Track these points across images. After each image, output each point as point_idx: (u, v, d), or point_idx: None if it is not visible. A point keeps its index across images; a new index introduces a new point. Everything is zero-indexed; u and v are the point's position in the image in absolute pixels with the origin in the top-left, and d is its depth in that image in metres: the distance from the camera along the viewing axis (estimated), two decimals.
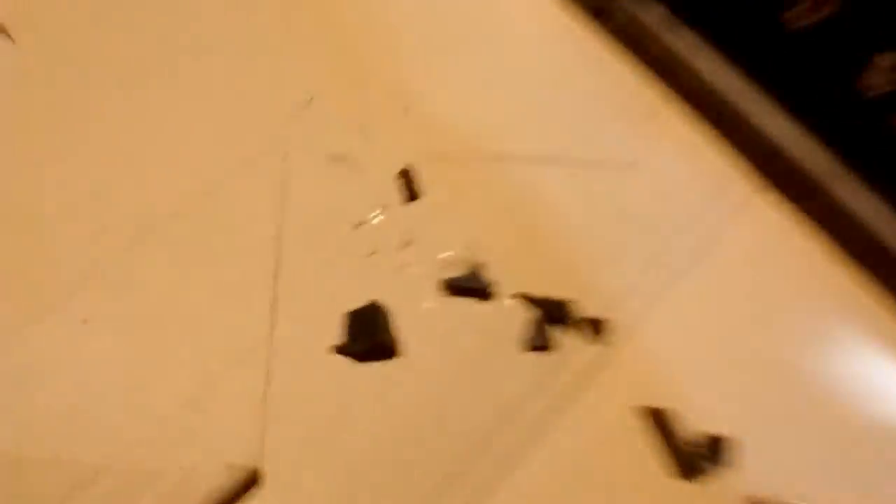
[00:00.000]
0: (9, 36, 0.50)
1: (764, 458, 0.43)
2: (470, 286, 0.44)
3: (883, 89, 0.45)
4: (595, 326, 0.44)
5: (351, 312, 0.42)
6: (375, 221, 0.46)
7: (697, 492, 0.42)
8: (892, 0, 0.43)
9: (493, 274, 0.45)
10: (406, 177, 0.46)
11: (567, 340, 0.44)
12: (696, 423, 0.44)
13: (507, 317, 0.44)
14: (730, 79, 0.50)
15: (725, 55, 0.50)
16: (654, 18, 0.51)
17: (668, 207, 0.50)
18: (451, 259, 0.45)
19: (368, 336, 0.42)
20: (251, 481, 0.38)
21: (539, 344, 0.43)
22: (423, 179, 0.48)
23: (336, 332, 0.43)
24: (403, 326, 0.43)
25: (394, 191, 0.47)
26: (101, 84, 0.50)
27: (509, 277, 0.45)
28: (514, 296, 0.44)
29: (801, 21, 0.47)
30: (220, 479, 0.38)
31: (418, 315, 0.43)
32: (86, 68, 0.50)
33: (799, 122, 0.49)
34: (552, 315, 0.45)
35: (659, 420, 0.43)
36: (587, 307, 0.45)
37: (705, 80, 0.50)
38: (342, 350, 0.42)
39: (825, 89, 0.47)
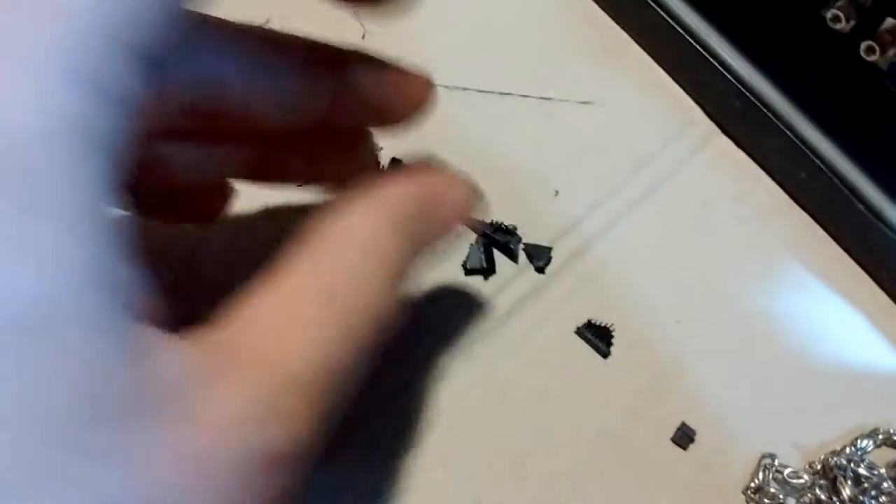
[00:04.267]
0: None
1: (698, 387, 0.43)
2: None
3: (849, 21, 0.45)
4: (539, 253, 0.44)
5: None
6: None
7: (633, 408, 0.41)
8: None
9: None
10: None
11: (509, 266, 0.44)
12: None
13: (451, 239, 0.44)
14: (688, 17, 0.49)
15: None
16: None
17: (624, 145, 0.49)
18: None
19: None
20: None
21: (479, 266, 0.43)
22: None
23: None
24: None
25: None
26: None
27: None
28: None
29: None
30: None
31: None
32: None
33: (756, 60, 0.48)
34: (496, 240, 0.44)
35: (591, 328, 0.43)
36: (532, 235, 0.45)
37: (666, 19, 0.49)
38: None
39: (789, 23, 0.47)
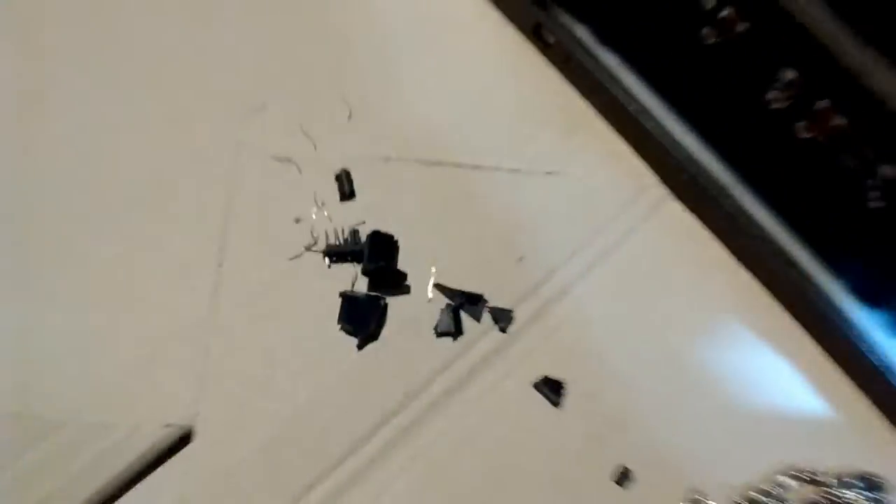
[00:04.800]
0: None
1: (639, 432, 0.49)
2: (391, 277, 0.50)
3: (784, 102, 0.50)
4: (502, 315, 0.50)
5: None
6: (313, 217, 0.52)
7: (581, 453, 0.48)
8: (796, 22, 0.47)
9: (417, 266, 0.51)
10: (342, 177, 0.52)
11: (476, 327, 0.50)
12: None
13: (425, 305, 0.50)
14: (645, 97, 0.54)
15: (642, 75, 0.55)
16: (581, 40, 0.56)
17: (584, 211, 0.55)
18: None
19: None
20: (184, 438, 0.45)
21: (450, 329, 0.49)
22: (360, 180, 0.53)
23: (271, 314, 0.50)
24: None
25: (332, 190, 0.53)
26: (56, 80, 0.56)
27: (431, 270, 0.51)
28: (434, 286, 0.49)
29: (714, 40, 0.51)
30: (158, 436, 0.45)
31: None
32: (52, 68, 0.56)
33: (703, 136, 0.54)
34: (465, 304, 0.50)
35: (547, 383, 0.49)
36: (498, 298, 0.51)
37: (623, 99, 0.55)
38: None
39: (731, 104, 0.52)
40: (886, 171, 0.48)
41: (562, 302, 0.52)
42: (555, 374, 0.50)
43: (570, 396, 0.50)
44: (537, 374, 0.50)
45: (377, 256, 0.50)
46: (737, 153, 0.53)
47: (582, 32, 0.56)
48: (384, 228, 0.52)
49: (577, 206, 0.55)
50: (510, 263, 0.53)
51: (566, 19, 0.57)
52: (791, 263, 0.52)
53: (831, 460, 0.49)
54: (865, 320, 0.51)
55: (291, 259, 0.51)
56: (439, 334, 0.50)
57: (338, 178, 0.53)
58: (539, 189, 0.55)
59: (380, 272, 0.50)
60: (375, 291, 0.50)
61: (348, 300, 0.50)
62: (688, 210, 0.56)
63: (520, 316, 0.51)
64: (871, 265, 0.51)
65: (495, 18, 0.59)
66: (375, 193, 0.53)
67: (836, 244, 0.52)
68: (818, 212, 0.52)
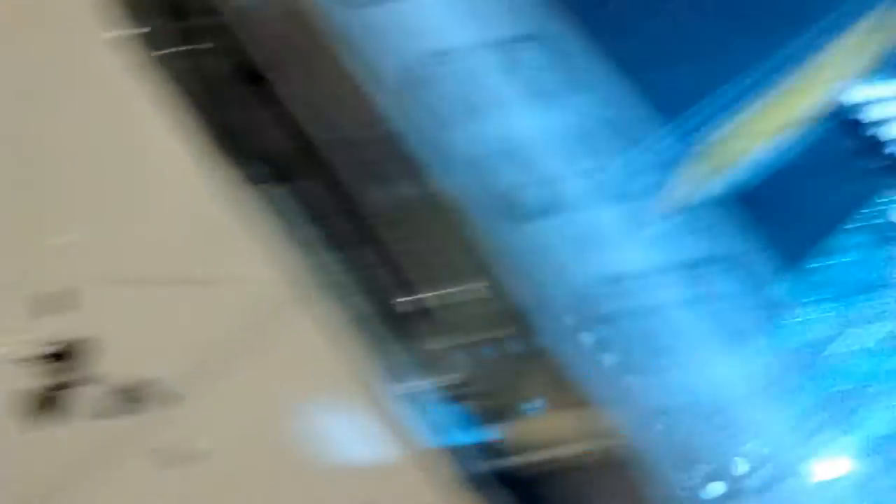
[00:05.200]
0: None
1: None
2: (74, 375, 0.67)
3: None
4: (158, 400, 0.66)
5: None
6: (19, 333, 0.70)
7: None
8: None
9: (99, 365, 0.68)
10: (52, 297, 0.70)
11: (131, 410, 0.66)
12: None
13: (98, 395, 0.67)
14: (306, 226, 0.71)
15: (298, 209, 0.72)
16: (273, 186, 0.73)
17: (246, 312, 0.70)
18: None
19: None
20: None
21: (111, 413, 0.66)
22: (70, 299, 0.71)
23: None
24: None
25: (41, 310, 0.71)
26: None
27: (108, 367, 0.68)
28: (100, 381, 0.66)
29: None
30: None
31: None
32: None
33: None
34: (127, 392, 0.67)
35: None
36: (163, 386, 0.67)
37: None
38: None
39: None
40: None
41: (199, 386, 0.68)
42: (190, 445, 0.65)
43: (193, 461, 0.65)
44: (171, 442, 0.65)
45: (66, 359, 0.67)
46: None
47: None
48: (82, 336, 0.69)
49: (241, 309, 0.70)
50: (177, 364, 0.69)
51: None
52: (376, 352, 0.66)
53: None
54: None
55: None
56: (100, 416, 0.66)
57: (46, 298, 0.71)
58: (215, 297, 0.71)
59: (65, 370, 0.67)
60: (59, 387, 0.67)
61: (38, 395, 0.67)
62: (316, 308, 0.70)
63: (174, 398, 0.67)
64: None
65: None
66: (80, 310, 0.71)
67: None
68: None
